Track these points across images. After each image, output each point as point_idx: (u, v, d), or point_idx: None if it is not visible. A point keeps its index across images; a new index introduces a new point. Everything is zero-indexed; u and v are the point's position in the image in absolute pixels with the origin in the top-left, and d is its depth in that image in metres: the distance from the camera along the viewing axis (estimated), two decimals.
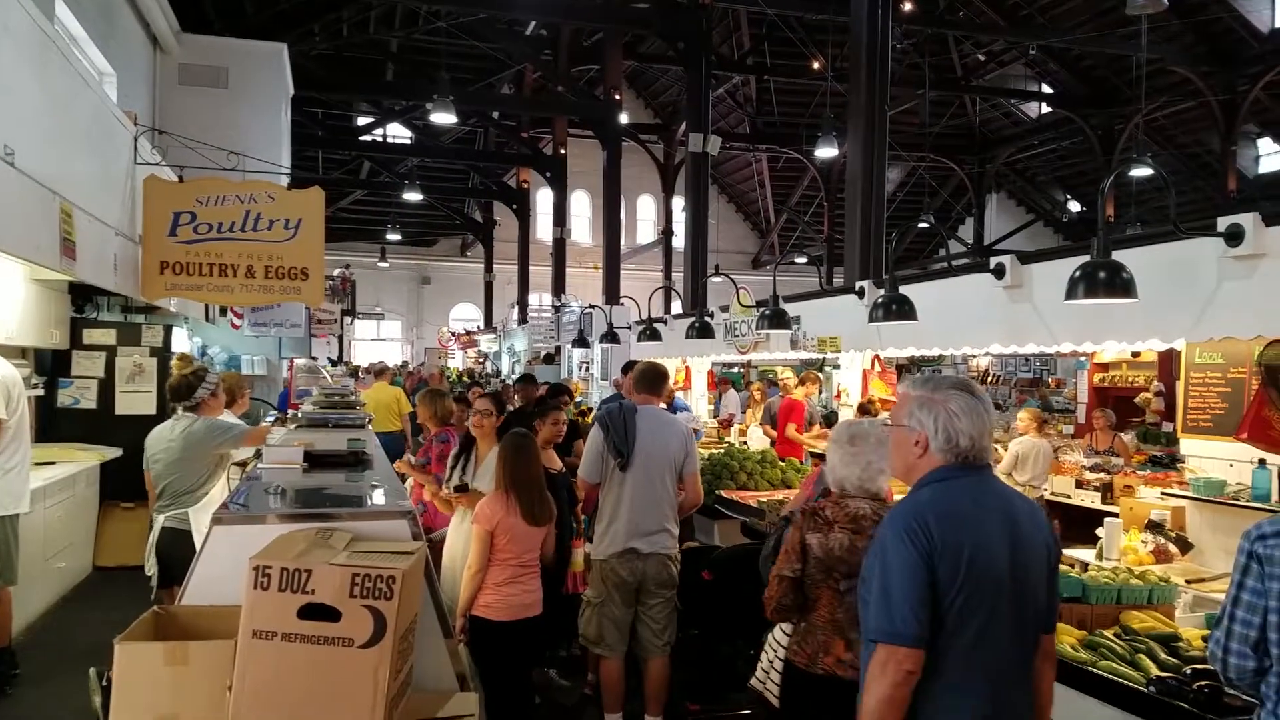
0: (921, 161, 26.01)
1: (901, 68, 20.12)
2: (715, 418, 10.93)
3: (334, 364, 19.88)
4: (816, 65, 19.34)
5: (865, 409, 7.31)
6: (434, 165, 27.79)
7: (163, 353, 8.21)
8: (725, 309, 8.30)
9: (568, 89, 20.37)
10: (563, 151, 22.49)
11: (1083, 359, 10.36)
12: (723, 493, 6.78)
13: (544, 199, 28.23)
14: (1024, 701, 2.38)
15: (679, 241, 18.80)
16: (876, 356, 7.01)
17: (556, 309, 19.91)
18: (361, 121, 24.61)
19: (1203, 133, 21.90)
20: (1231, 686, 2.44)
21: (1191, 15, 18.62)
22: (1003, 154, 26.99)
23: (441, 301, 32.59)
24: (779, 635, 3.32)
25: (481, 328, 29.09)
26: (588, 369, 15.65)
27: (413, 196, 22.24)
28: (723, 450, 7.91)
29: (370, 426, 5.55)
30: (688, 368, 10.27)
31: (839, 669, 2.91)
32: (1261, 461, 4.69)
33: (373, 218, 29.01)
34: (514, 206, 26.44)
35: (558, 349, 18.38)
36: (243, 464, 5.23)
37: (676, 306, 19.26)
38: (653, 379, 5.08)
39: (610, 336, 11.16)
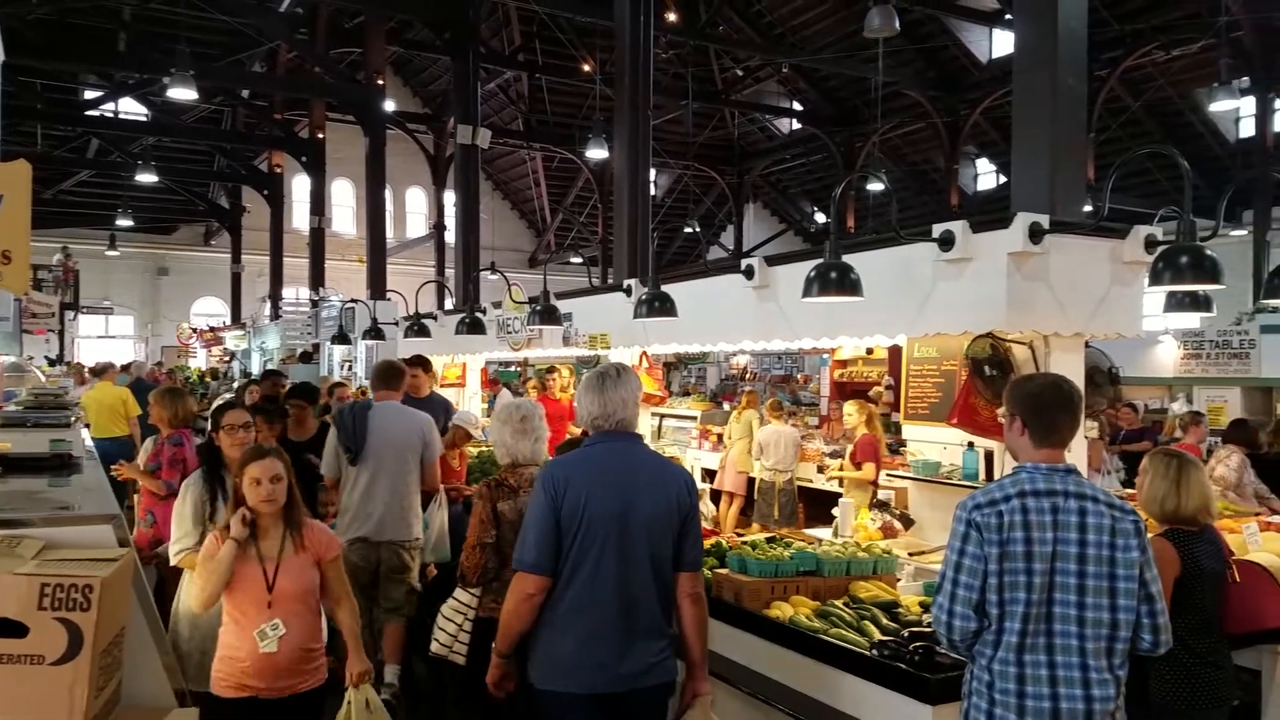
0: (687, 170, 27.11)
1: (667, 77, 20.84)
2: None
3: (53, 363, 17.70)
4: (587, 67, 19.59)
5: None
6: (173, 145, 25.33)
7: None
8: (498, 305, 8.23)
9: (326, 71, 19.34)
10: (321, 136, 21.28)
11: (825, 356, 11.16)
12: None
13: (300, 186, 26.53)
14: (643, 626, 2.82)
15: (452, 236, 18.38)
16: (644, 353, 7.19)
17: (315, 303, 18.84)
18: (89, 95, 22.05)
19: (930, 152, 24.36)
20: (954, 649, 2.56)
21: (923, 42, 20.69)
22: (758, 166, 28.67)
23: (182, 295, 29.69)
24: (463, 599, 3.56)
25: (228, 323, 26.91)
26: (350, 367, 14.92)
27: (148, 178, 20.16)
28: (488, 449, 7.81)
29: (88, 430, 4.99)
30: (463, 365, 10.04)
31: None
32: (970, 444, 5.25)
33: (101, 201, 25.96)
34: (265, 192, 24.65)
35: (316, 346, 17.40)
36: None
37: (450, 304, 18.84)
38: (388, 375, 5.38)
39: (375, 332, 10.68)
